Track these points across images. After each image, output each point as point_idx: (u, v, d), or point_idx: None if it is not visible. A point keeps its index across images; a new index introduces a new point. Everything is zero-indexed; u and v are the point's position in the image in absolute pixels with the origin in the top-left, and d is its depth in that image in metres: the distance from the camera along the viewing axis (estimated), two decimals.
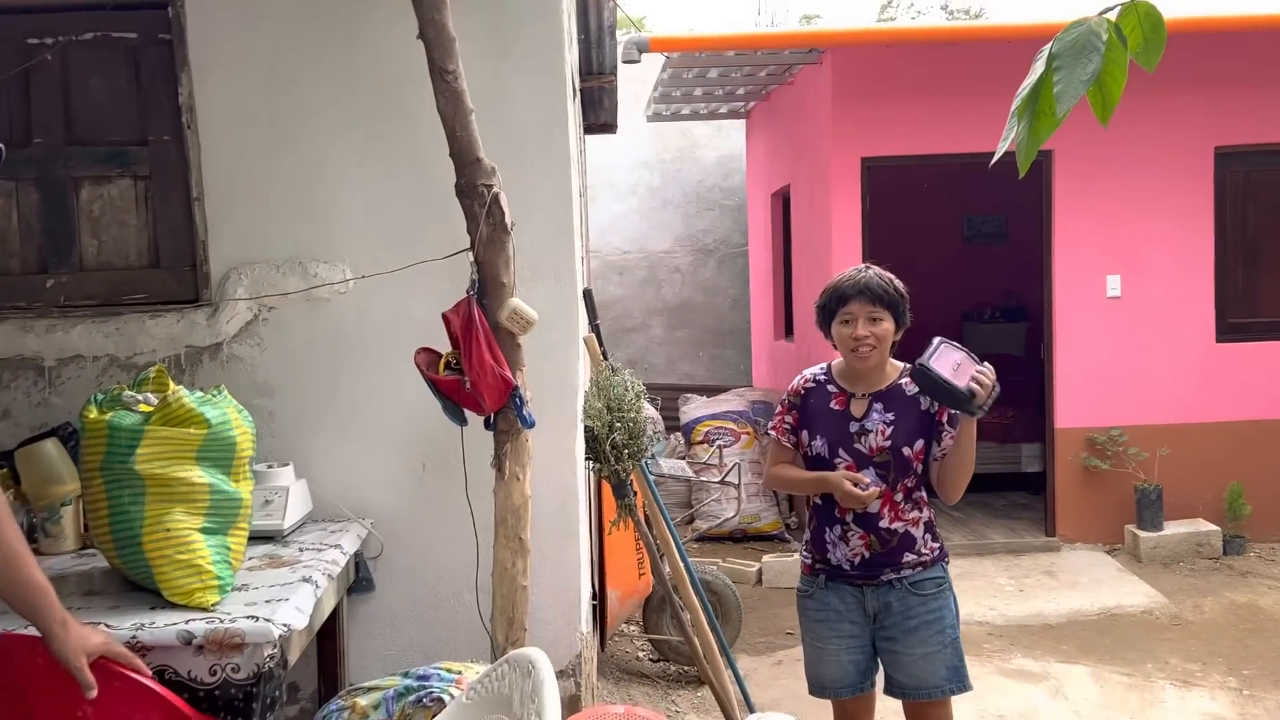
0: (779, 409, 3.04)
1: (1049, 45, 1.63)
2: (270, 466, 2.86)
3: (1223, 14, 6.30)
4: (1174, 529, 6.34)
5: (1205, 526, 6.35)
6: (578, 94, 4.81)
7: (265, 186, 3.07)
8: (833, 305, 2.89)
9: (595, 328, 4.08)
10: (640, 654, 4.97)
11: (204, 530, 2.29)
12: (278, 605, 2.23)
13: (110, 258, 3.09)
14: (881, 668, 2.96)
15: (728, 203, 10.23)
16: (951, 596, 2.93)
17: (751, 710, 3.93)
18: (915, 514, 2.88)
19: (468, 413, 2.71)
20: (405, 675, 2.51)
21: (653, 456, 4.62)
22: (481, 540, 2.89)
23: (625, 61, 6.07)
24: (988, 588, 5.86)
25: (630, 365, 7.13)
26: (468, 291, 2.64)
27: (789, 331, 8.36)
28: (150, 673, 2.03)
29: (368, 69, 3.05)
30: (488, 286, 2.63)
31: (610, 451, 3.60)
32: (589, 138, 6.97)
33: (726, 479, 6.42)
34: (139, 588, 2.32)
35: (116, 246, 3.09)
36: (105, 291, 3.07)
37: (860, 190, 6.48)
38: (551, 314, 3.03)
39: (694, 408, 7.58)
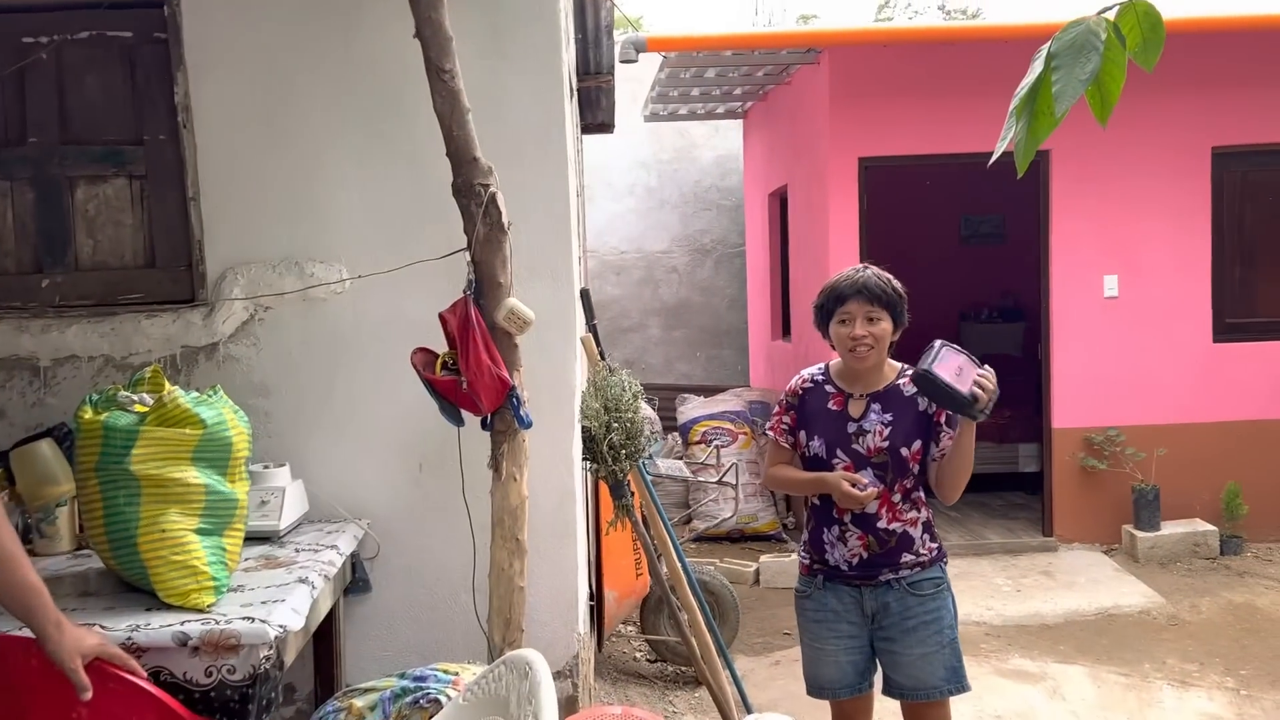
0: (777, 409, 3.04)
1: (1047, 45, 1.63)
2: (266, 467, 2.85)
3: (1220, 14, 6.31)
4: (1171, 529, 6.34)
5: (1202, 526, 6.35)
6: (575, 94, 4.80)
7: (261, 186, 3.06)
8: (830, 305, 2.88)
9: (592, 328, 4.08)
10: (638, 654, 4.96)
11: (199, 531, 2.29)
12: (274, 606, 2.22)
13: (106, 257, 3.08)
14: (879, 668, 2.96)
15: (725, 203, 10.23)
16: (950, 597, 2.93)
17: (749, 711, 3.93)
18: (913, 514, 2.88)
19: (465, 413, 2.70)
20: (402, 676, 2.51)
21: (650, 457, 4.62)
22: (478, 541, 2.89)
23: (622, 61, 6.06)
24: (985, 588, 5.86)
25: (627, 365, 7.12)
26: (465, 291, 2.63)
27: (786, 332, 8.35)
28: (145, 674, 2.02)
29: (365, 68, 3.04)
30: (485, 286, 2.63)
31: (607, 452, 3.59)
32: (586, 138, 6.96)
33: (724, 479, 6.42)
34: (134, 589, 2.31)
35: (112, 246, 3.08)
36: (101, 291, 3.07)
37: (858, 190, 6.48)
38: (548, 314, 3.03)
39: (691, 408, 7.57)
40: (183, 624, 2.13)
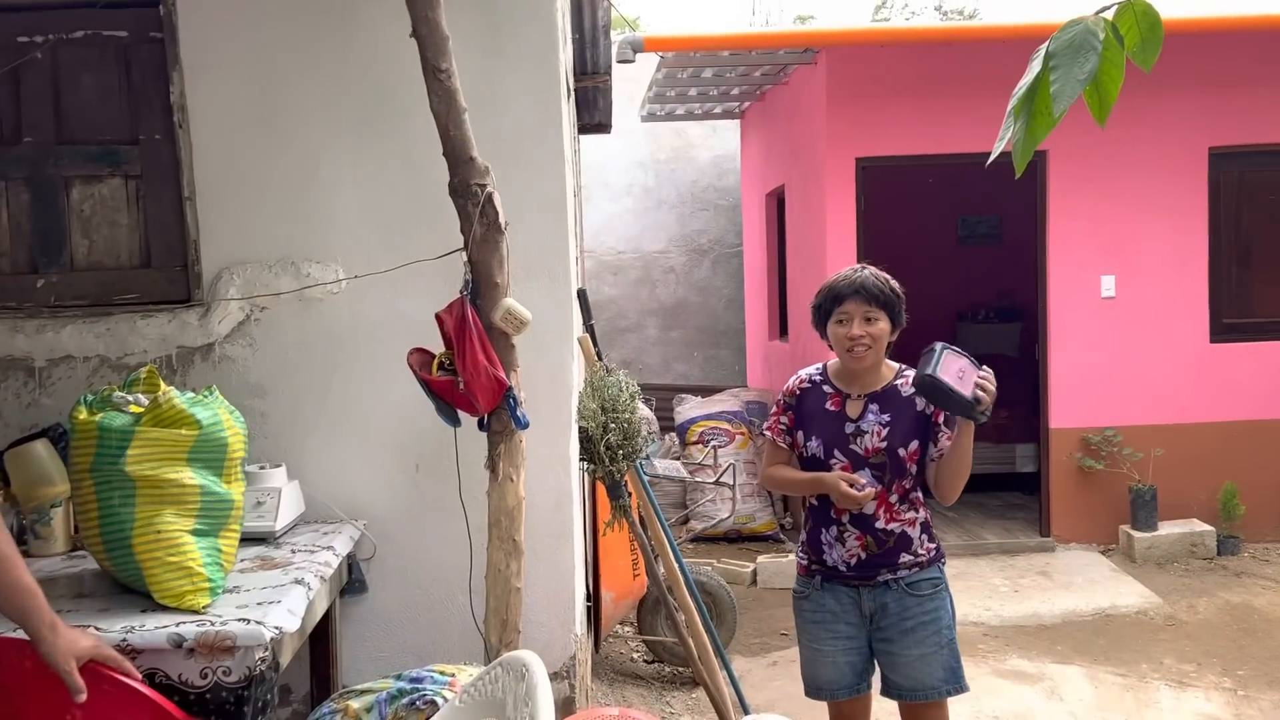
0: (774, 409, 3.03)
1: (1046, 44, 1.63)
2: (262, 468, 2.84)
3: (1218, 14, 6.31)
4: (1168, 529, 6.34)
5: (1199, 527, 6.35)
6: (572, 93, 4.80)
7: (257, 186, 3.05)
8: (828, 305, 2.88)
9: (590, 328, 4.07)
10: (635, 655, 4.95)
11: (195, 532, 2.28)
12: (269, 608, 2.21)
13: (101, 257, 3.07)
14: (878, 669, 2.96)
15: (722, 203, 10.22)
16: (948, 597, 2.92)
17: (746, 712, 3.92)
18: (911, 515, 2.88)
19: (461, 413, 2.70)
20: (398, 678, 2.50)
21: (647, 457, 4.61)
22: (475, 542, 2.88)
23: (620, 61, 6.05)
24: (982, 588, 5.85)
25: (625, 365, 7.12)
26: (461, 291, 2.62)
27: (784, 332, 8.35)
28: (140, 676, 2.02)
29: (361, 68, 3.03)
30: (481, 286, 2.62)
31: (605, 452, 3.58)
32: (583, 138, 6.95)
33: (721, 479, 6.41)
34: (129, 590, 2.31)
35: (107, 246, 3.07)
36: (96, 291, 3.06)
37: (855, 190, 6.48)
38: (545, 314, 3.02)
39: (688, 408, 7.57)
40: (178, 625, 2.12)
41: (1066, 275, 6.53)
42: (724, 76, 7.43)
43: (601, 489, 3.91)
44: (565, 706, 3.14)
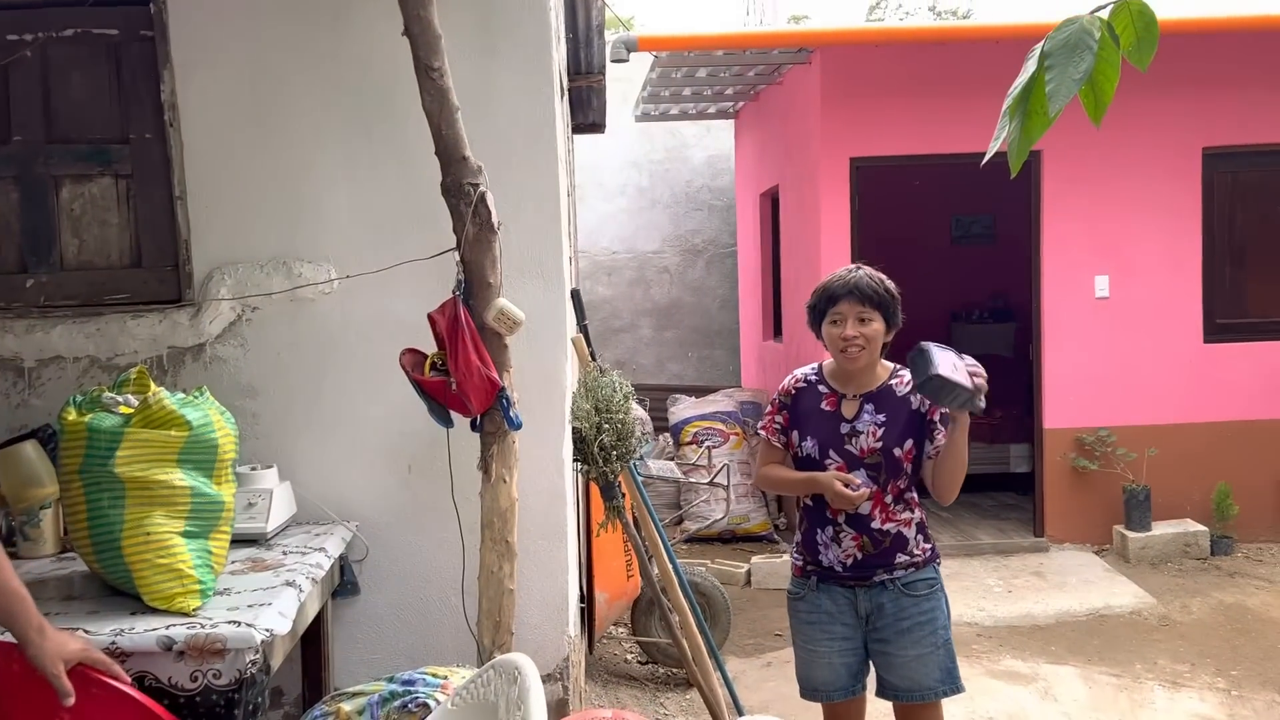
0: (769, 409, 3.02)
1: (1041, 44, 1.62)
2: (254, 469, 2.83)
3: (1211, 15, 6.31)
4: (1162, 529, 6.35)
5: (1193, 527, 6.36)
6: (566, 93, 4.79)
7: (249, 185, 3.04)
8: (823, 305, 2.87)
9: (583, 328, 4.06)
10: (629, 656, 4.94)
11: (185, 534, 2.26)
12: (260, 610, 2.20)
13: (91, 257, 3.05)
14: (873, 670, 2.95)
15: (716, 203, 10.22)
16: (943, 597, 2.92)
17: (740, 713, 3.91)
18: (907, 515, 2.87)
19: (454, 414, 2.68)
20: (390, 680, 2.49)
21: (641, 458, 4.60)
22: (468, 543, 2.87)
23: (614, 61, 6.04)
24: (976, 588, 5.85)
25: (618, 366, 7.10)
26: (454, 291, 2.61)
27: (778, 332, 8.35)
28: (129, 679, 2.00)
29: (354, 66, 3.02)
30: (474, 286, 2.61)
31: (598, 453, 3.57)
32: (577, 137, 6.95)
33: (715, 480, 6.40)
34: (119, 592, 2.29)
35: (98, 246, 3.05)
36: (86, 291, 3.04)
37: (849, 190, 6.48)
38: (539, 314, 3.01)
39: (683, 408, 7.56)
40: (168, 628, 2.11)
41: (1060, 275, 6.53)
42: (718, 76, 7.42)
43: (595, 490, 3.90)
44: (559, 708, 3.13)
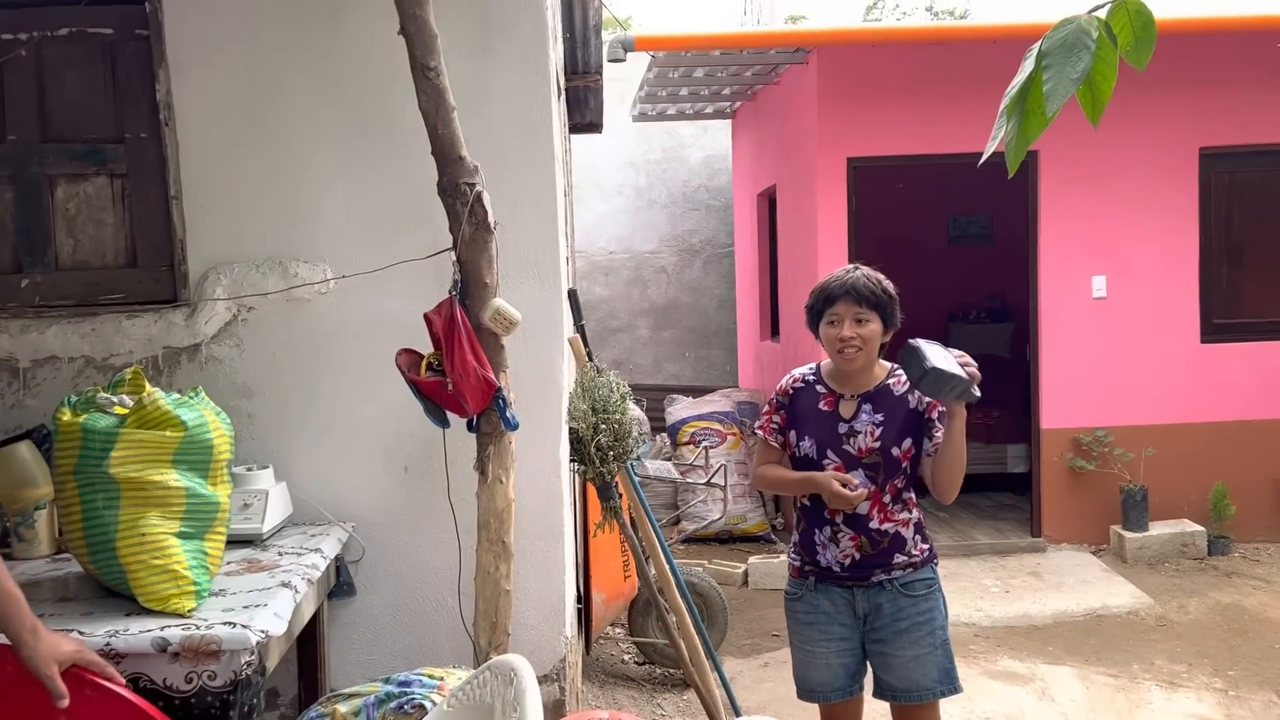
0: (766, 408, 3.02)
1: (1038, 43, 1.61)
2: (250, 469, 2.82)
3: (1209, 15, 6.32)
4: (1159, 529, 6.35)
5: (1190, 527, 6.36)
6: (563, 93, 4.78)
7: (245, 184, 3.03)
8: (820, 305, 2.87)
9: (580, 328, 4.05)
10: (626, 657, 4.94)
11: (180, 535, 2.25)
12: (256, 611, 2.19)
13: (86, 257, 3.04)
14: (870, 670, 2.94)
15: (714, 203, 10.22)
16: (941, 598, 2.91)
17: (738, 714, 3.91)
18: (905, 515, 2.87)
19: (450, 415, 2.68)
20: (386, 681, 2.48)
21: (638, 458, 4.60)
22: (464, 544, 2.86)
23: (610, 60, 6.04)
24: (974, 589, 5.85)
25: (616, 366, 7.08)
26: (450, 291, 2.60)
27: (775, 332, 8.34)
28: (124, 681, 1.99)
29: (350, 66, 3.01)
30: (470, 286, 2.60)
31: (595, 453, 3.57)
32: (574, 137, 6.94)
33: (712, 480, 6.39)
34: (114, 594, 2.28)
35: (93, 246, 3.04)
36: (81, 291, 3.03)
37: (846, 190, 6.47)
38: (535, 314, 3.00)
39: (680, 409, 7.55)
40: (163, 629, 2.10)
41: (1058, 275, 6.53)
42: (715, 76, 7.42)
43: (592, 490, 3.89)
44: (555, 709, 3.12)
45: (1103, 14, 1.61)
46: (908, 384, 2.83)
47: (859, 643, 2.90)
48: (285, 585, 2.37)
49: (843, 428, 2.85)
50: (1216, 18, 6.30)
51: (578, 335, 3.97)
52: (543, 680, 3.08)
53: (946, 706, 2.98)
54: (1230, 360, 6.58)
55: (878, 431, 2.82)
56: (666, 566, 3.95)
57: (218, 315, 3.02)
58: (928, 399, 2.81)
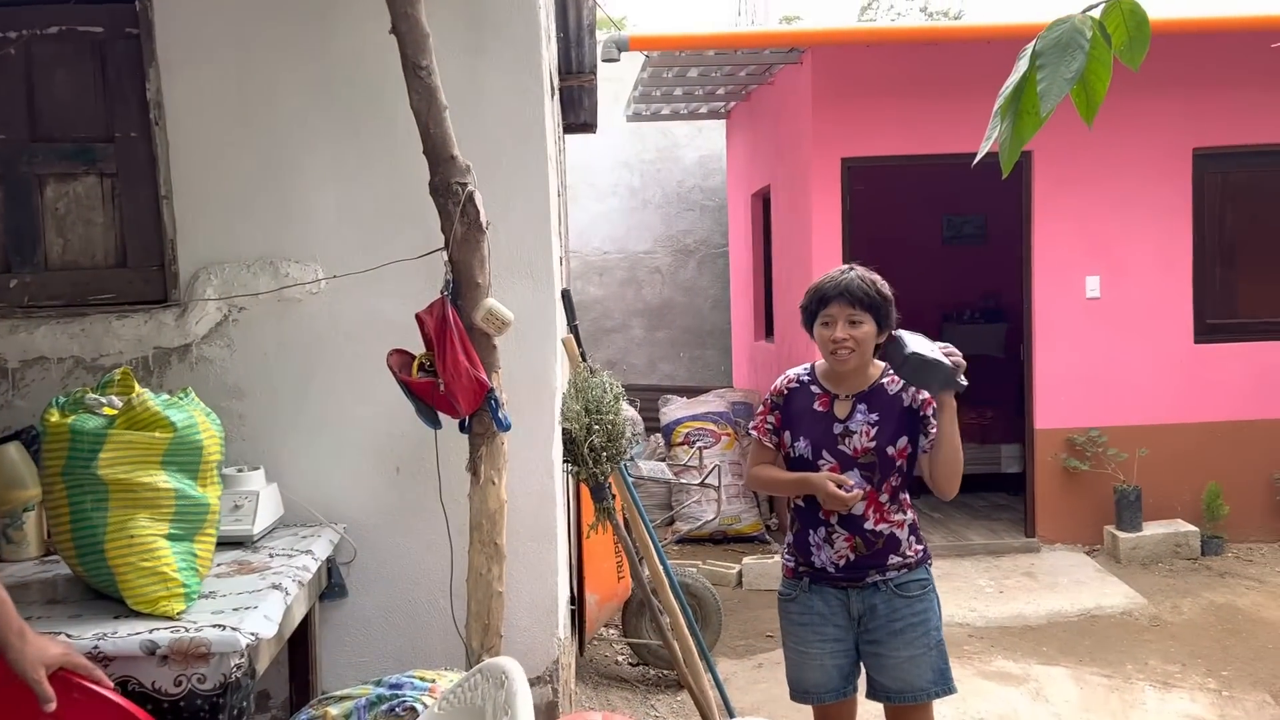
0: (761, 409, 3.01)
1: (1033, 43, 1.61)
2: (240, 470, 2.80)
3: (1203, 15, 6.32)
4: (1153, 530, 6.35)
5: (1184, 527, 6.37)
6: (556, 92, 4.77)
7: (235, 184, 3.01)
8: (814, 306, 2.86)
9: (574, 328, 4.04)
10: (619, 658, 4.93)
11: (169, 537, 2.24)
12: (246, 613, 2.17)
13: (76, 257, 3.02)
14: (864, 671, 2.94)
15: (708, 203, 10.21)
16: (935, 598, 2.91)
17: (731, 715, 3.90)
18: (899, 515, 2.86)
19: (442, 415, 2.66)
20: (378, 684, 2.46)
21: (632, 458, 4.58)
22: (456, 545, 2.85)
23: (605, 60, 6.03)
24: (968, 589, 5.85)
25: (609, 366, 7.07)
26: (442, 292, 2.59)
27: (769, 332, 8.33)
28: (112, 684, 1.97)
29: (341, 65, 2.99)
30: (462, 286, 2.59)
31: (588, 454, 3.55)
32: (568, 137, 6.93)
33: (706, 481, 6.39)
34: (102, 596, 2.26)
35: (82, 245, 3.02)
36: (70, 291, 3.01)
37: (840, 190, 6.47)
38: (528, 314, 2.99)
39: (674, 409, 7.54)
40: (151, 632, 2.08)
41: (1051, 276, 6.54)
42: (709, 76, 7.41)
43: (585, 491, 3.88)
44: (548, 711, 3.11)
45: (1097, 14, 1.60)
46: (902, 382, 2.83)
47: (853, 644, 2.89)
48: (276, 587, 2.35)
49: (838, 428, 2.85)
50: (1211, 18, 6.31)
51: (571, 335, 3.95)
52: (535, 682, 3.07)
53: (940, 707, 2.98)
54: (1223, 360, 6.59)
55: (873, 431, 2.82)
56: (660, 567, 3.94)
57: (208, 315, 3.01)
58: (921, 396, 2.81)
